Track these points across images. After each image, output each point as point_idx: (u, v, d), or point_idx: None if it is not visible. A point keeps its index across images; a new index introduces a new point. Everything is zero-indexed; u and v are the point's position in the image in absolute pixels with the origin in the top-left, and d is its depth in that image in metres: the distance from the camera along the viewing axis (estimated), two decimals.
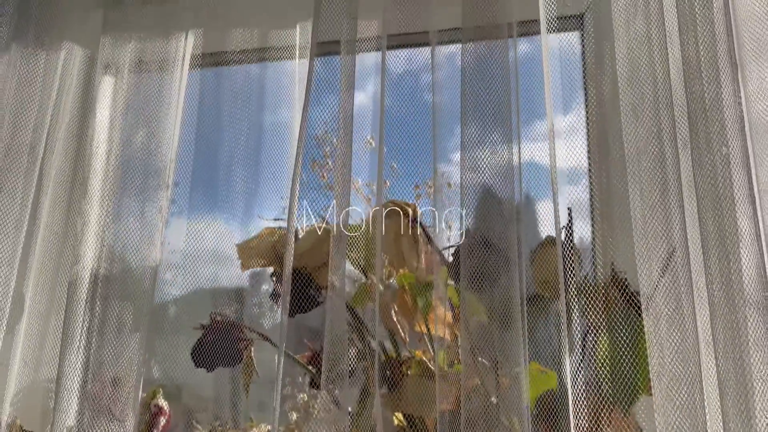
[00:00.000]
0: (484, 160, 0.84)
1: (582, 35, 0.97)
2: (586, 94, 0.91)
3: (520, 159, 0.84)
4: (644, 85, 0.82)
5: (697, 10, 0.81)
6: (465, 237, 0.78)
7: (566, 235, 0.76)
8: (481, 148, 0.84)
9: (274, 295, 0.90)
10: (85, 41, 1.10)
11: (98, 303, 0.93)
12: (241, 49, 1.11)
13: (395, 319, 0.82)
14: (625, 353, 0.74)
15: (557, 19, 0.86)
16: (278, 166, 1.05)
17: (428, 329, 0.82)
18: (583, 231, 0.79)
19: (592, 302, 0.74)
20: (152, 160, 0.98)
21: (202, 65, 1.08)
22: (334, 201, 0.86)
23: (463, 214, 0.79)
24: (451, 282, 0.79)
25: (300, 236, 0.88)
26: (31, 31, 1.05)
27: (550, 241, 0.78)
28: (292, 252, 0.85)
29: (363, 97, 0.98)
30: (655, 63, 0.81)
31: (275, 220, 0.92)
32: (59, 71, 1.05)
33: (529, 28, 0.91)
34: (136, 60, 1.04)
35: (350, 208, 0.85)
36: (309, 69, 0.94)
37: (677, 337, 0.73)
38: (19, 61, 1.03)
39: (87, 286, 0.93)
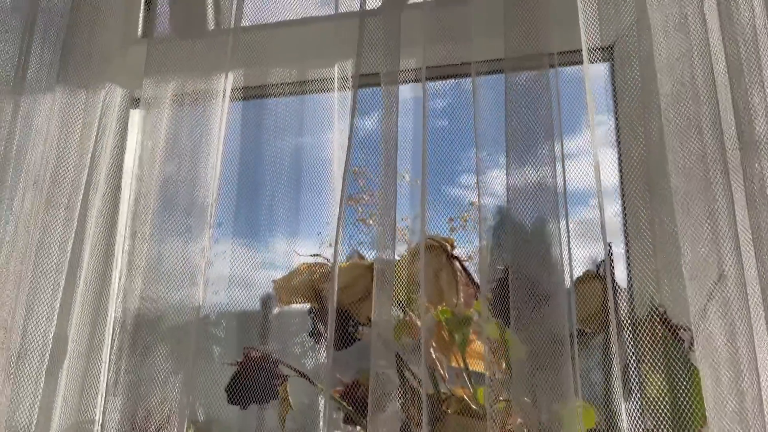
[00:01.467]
0: (526, 190, 0.86)
1: (612, 65, 0.99)
2: (617, 120, 0.93)
3: (565, 188, 0.86)
4: (688, 106, 0.84)
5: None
6: (504, 271, 0.80)
7: (608, 269, 0.77)
8: (522, 177, 0.86)
9: (313, 333, 0.93)
10: (125, 78, 1.17)
11: (140, 344, 0.97)
12: (280, 83, 1.15)
13: (434, 356, 0.84)
14: (679, 389, 0.75)
15: (592, 50, 0.92)
16: (317, 200, 1.09)
17: (465, 364, 0.84)
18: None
19: (637, 337, 0.75)
20: (194, 197, 1.03)
21: (242, 98, 1.14)
22: (376, 236, 0.89)
23: (502, 247, 0.81)
24: (490, 317, 0.81)
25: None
26: (72, 73, 1.11)
27: (591, 275, 0.80)
28: (336, 290, 0.88)
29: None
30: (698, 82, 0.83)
31: (312, 255, 0.95)
32: (99, 110, 1.12)
33: (565, 58, 0.94)
34: (177, 95, 1.09)
35: (388, 243, 0.88)
36: (352, 103, 0.99)
37: (732, 372, 0.73)
38: (61, 102, 1.10)
39: (129, 326, 0.97)
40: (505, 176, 0.87)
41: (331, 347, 0.87)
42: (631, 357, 0.78)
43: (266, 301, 1.05)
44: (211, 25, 1.15)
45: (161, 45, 1.11)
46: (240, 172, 1.12)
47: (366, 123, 0.99)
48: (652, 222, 0.85)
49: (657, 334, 0.75)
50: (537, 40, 0.94)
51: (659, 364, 0.76)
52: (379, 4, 1.02)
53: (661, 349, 0.75)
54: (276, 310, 1.03)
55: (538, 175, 0.85)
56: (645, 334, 0.76)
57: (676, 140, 0.85)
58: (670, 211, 0.82)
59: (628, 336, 0.77)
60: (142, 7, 1.24)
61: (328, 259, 0.94)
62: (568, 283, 0.81)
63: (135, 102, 1.20)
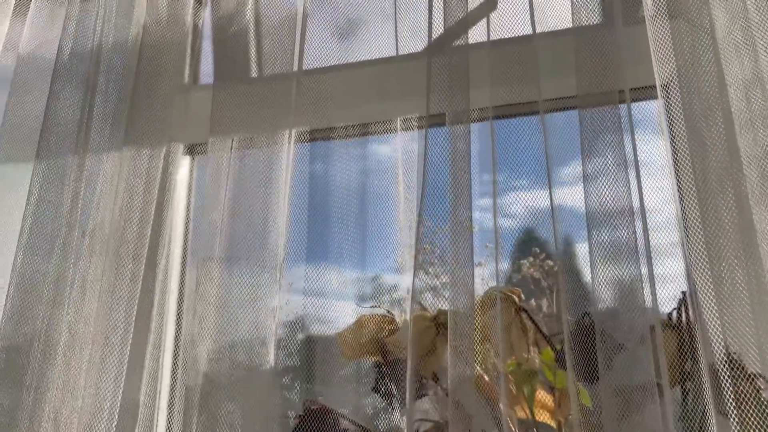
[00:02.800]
0: (603, 245, 0.87)
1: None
2: (675, 159, 0.94)
3: (647, 241, 0.86)
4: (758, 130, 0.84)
5: None
6: (576, 323, 0.81)
7: (682, 317, 0.78)
8: (601, 235, 0.87)
9: (378, 388, 0.95)
10: (185, 128, 1.22)
11: (211, 406, 0.99)
12: (345, 125, 1.19)
13: (503, 410, 0.85)
14: None
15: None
16: (381, 246, 1.11)
17: (533, 416, 0.85)
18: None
19: (714, 388, 0.75)
20: (263, 245, 1.06)
21: (307, 140, 1.19)
22: (440, 286, 0.91)
23: (570, 296, 0.82)
24: (558, 367, 0.82)
25: (400, 324, 0.93)
26: (133, 128, 1.19)
27: (664, 324, 0.80)
28: (407, 343, 0.90)
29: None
30: None
31: (371, 307, 0.97)
32: (161, 163, 1.18)
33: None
34: (243, 140, 1.14)
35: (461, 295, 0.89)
36: (425, 148, 1.02)
37: None
38: (123, 158, 1.17)
39: (199, 389, 1.00)
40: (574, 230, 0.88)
41: (413, 402, 0.88)
42: (710, 408, 0.77)
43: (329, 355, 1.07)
44: (254, 73, 1.20)
45: (223, 91, 1.17)
46: (309, 222, 1.14)
47: (431, 167, 1.01)
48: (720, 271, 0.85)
49: (738, 385, 0.75)
50: (609, 77, 0.96)
51: (743, 415, 0.76)
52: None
53: (752, 400, 0.75)
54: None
55: (614, 235, 0.86)
56: (725, 385, 0.76)
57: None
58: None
59: (707, 387, 0.77)
60: (188, 56, 1.29)
61: (389, 311, 0.96)
62: (645, 331, 0.81)
63: (197, 150, 1.25)
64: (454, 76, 1.04)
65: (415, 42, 1.18)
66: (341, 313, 1.07)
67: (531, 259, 0.96)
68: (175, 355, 1.13)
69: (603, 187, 0.90)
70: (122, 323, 1.07)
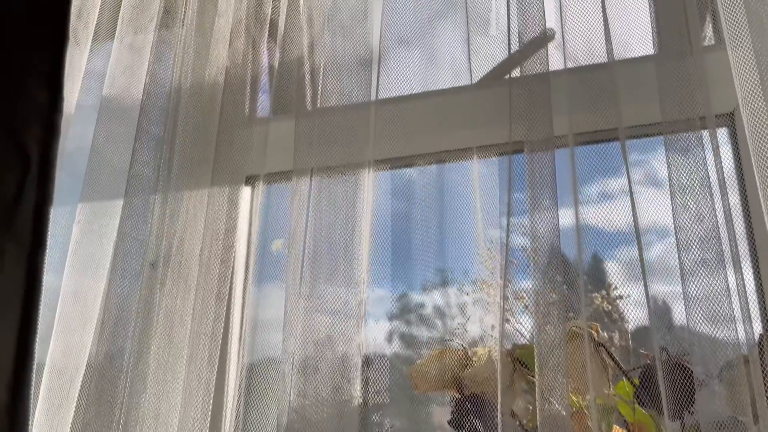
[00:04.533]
0: (687, 267, 0.89)
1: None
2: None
3: (743, 279, 0.89)
4: None
5: None
6: (654, 358, 0.84)
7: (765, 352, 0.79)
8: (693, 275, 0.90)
9: (462, 425, 0.98)
10: (262, 159, 1.29)
11: None
12: (419, 153, 1.24)
13: None
14: None
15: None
16: (462, 278, 1.15)
17: None
18: None
19: None
20: (347, 297, 1.11)
21: (386, 168, 1.26)
22: (533, 322, 0.94)
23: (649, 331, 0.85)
24: (635, 402, 0.85)
25: (473, 358, 0.97)
26: (215, 167, 1.27)
27: (745, 359, 0.82)
28: (483, 378, 0.94)
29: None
30: None
31: (443, 341, 1.01)
32: (239, 195, 1.27)
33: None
34: (323, 168, 1.20)
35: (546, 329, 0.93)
36: (509, 176, 1.08)
37: None
38: (203, 194, 1.26)
39: (287, 425, 1.05)
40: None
41: None
42: None
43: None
44: (309, 105, 1.28)
45: (306, 120, 1.25)
46: (393, 254, 1.20)
47: (515, 196, 1.07)
48: None
49: None
50: (692, 104, 0.99)
51: None
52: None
53: None
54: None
55: (703, 287, 0.88)
56: None
57: None
58: None
59: None
60: (267, 91, 1.37)
61: (463, 345, 1.00)
62: (726, 367, 0.83)
63: (269, 179, 1.31)
64: (534, 104, 1.09)
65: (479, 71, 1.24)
66: (425, 345, 1.11)
67: (603, 292, 0.99)
68: (259, 392, 1.17)
69: (693, 228, 0.93)
70: (206, 356, 1.14)
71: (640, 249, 0.94)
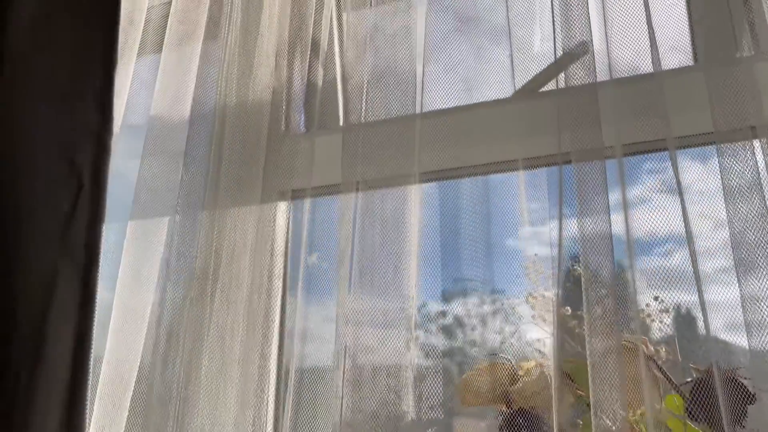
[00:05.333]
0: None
1: None
2: None
3: None
4: None
5: None
6: (705, 371, 0.84)
7: None
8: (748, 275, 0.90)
9: None
10: (313, 172, 1.32)
11: None
12: (463, 165, 1.25)
13: None
14: None
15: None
16: (512, 292, 1.16)
17: None
18: None
19: None
20: (397, 293, 1.13)
21: (430, 180, 1.26)
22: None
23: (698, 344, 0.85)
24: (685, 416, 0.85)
25: (519, 372, 0.98)
26: (264, 183, 1.30)
27: None
28: (532, 392, 0.94)
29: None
30: None
31: (491, 355, 1.02)
32: (288, 210, 1.30)
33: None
34: (369, 180, 1.22)
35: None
36: (560, 187, 1.08)
37: None
38: (250, 210, 1.29)
39: None
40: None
41: None
42: None
43: None
44: (376, 117, 1.29)
45: (351, 134, 1.27)
46: (443, 267, 1.20)
47: (567, 208, 1.07)
48: None
49: None
50: (742, 113, 0.99)
51: None
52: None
53: None
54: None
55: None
56: None
57: None
58: None
59: None
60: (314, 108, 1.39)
61: (508, 358, 1.01)
62: None
63: (320, 192, 1.34)
64: (581, 115, 1.10)
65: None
66: (474, 359, 1.12)
67: (648, 305, 0.99)
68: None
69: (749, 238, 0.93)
70: (257, 371, 1.16)
71: (694, 261, 0.94)
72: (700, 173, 1.09)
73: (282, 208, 1.30)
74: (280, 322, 1.23)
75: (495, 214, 1.23)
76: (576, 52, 1.12)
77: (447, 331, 1.15)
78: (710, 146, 1.06)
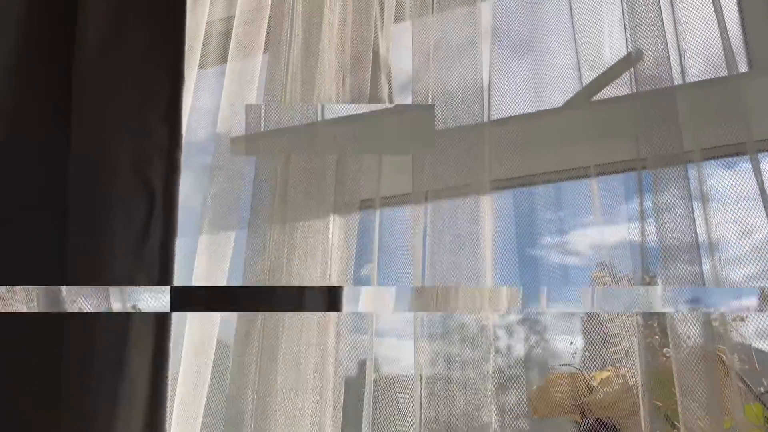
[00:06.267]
0: None
1: None
2: None
3: None
4: None
5: None
6: None
7: None
8: None
9: None
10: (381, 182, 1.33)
11: None
12: (541, 172, 1.25)
13: None
14: None
15: None
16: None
17: None
18: None
19: None
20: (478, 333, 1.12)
21: (505, 188, 1.26)
22: None
23: None
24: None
25: (592, 382, 0.98)
26: (337, 198, 1.31)
27: None
28: (608, 403, 0.94)
29: None
30: None
31: (561, 365, 1.02)
32: (355, 227, 1.30)
33: None
34: (439, 189, 1.22)
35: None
36: (640, 195, 1.08)
37: None
38: (322, 227, 1.30)
39: None
40: None
41: None
42: None
43: None
44: (445, 126, 1.29)
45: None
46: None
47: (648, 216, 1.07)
48: None
49: None
50: None
51: None
52: None
53: None
54: None
55: None
56: None
57: None
58: None
59: None
60: None
61: (579, 369, 1.01)
62: None
63: (389, 202, 1.35)
64: (657, 119, 1.09)
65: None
66: (552, 369, 1.11)
67: (720, 313, 0.97)
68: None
69: None
70: (330, 384, 1.17)
71: None
72: None
73: (351, 217, 1.30)
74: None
75: (568, 221, 1.22)
76: (630, 59, 1.12)
77: (526, 341, 1.15)
78: None
